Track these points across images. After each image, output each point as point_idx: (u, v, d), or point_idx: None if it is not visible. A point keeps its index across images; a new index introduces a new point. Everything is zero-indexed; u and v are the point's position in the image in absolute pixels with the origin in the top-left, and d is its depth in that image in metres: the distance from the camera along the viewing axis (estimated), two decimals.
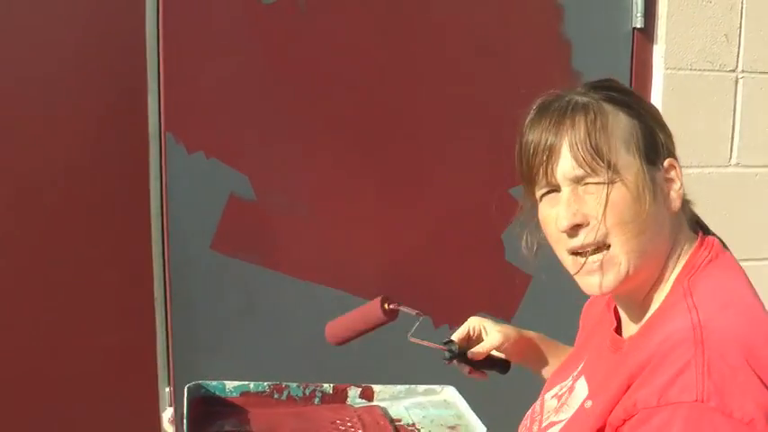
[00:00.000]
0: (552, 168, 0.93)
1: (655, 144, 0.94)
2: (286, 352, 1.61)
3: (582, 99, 0.94)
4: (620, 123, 0.93)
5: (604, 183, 0.91)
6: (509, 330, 1.26)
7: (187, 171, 1.49)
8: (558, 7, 1.66)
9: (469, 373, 1.27)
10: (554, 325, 1.51)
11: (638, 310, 0.98)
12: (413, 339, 1.25)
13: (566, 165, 0.92)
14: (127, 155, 1.52)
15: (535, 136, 0.94)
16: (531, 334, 1.30)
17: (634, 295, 0.98)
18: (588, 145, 0.91)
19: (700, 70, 1.79)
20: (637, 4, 1.71)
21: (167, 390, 1.60)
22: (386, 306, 1.24)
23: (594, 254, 0.93)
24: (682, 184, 0.95)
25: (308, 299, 1.60)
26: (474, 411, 1.33)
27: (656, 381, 0.83)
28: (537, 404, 1.14)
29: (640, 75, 1.75)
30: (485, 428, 1.28)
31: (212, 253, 1.53)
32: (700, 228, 1.01)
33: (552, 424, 1.04)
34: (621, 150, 0.92)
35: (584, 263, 0.93)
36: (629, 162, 0.92)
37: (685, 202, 0.98)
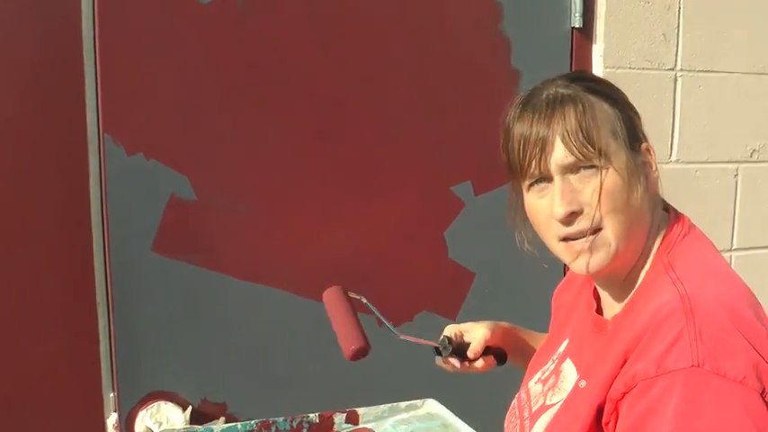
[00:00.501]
0: (546, 159, 0.97)
1: (634, 130, 1.00)
2: (231, 354, 1.61)
3: (567, 91, 0.99)
4: (605, 113, 0.98)
5: (597, 169, 0.96)
6: (488, 325, 1.31)
7: (127, 173, 1.49)
8: (497, 6, 1.68)
9: (466, 367, 1.28)
10: (498, 320, 1.54)
11: (619, 289, 1.04)
12: (404, 337, 1.28)
13: (559, 154, 0.96)
14: (65, 157, 1.51)
15: (525, 128, 0.98)
16: (505, 325, 1.35)
17: (615, 275, 1.03)
18: (580, 134, 0.96)
19: (639, 69, 1.83)
20: (575, 3, 1.74)
21: (111, 395, 1.59)
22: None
23: (589, 235, 0.98)
24: (656, 167, 1.02)
25: (251, 299, 1.60)
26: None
27: (652, 352, 0.89)
28: (521, 393, 1.18)
29: None
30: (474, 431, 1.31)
31: (154, 255, 1.53)
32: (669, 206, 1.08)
33: (545, 407, 1.08)
34: (610, 138, 0.97)
35: (575, 244, 0.98)
36: (617, 149, 0.97)
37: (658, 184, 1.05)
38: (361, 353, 1.21)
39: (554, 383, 1.10)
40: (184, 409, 1.57)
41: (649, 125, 1.04)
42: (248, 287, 1.59)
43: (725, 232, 2.00)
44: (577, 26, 1.76)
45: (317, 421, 1.37)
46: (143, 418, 1.56)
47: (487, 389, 1.53)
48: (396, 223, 1.69)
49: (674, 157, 1.88)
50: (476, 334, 1.29)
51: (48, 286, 1.55)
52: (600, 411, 0.95)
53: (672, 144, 1.88)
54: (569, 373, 1.07)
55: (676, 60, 1.86)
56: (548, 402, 1.09)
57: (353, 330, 1.25)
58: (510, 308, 1.71)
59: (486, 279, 1.75)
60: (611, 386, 0.93)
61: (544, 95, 1.00)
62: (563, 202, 0.97)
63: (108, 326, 1.57)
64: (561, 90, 0.99)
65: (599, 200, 0.96)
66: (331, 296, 1.30)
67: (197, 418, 1.58)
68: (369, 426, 1.37)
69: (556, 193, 0.97)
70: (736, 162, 1.97)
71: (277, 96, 1.56)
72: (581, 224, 0.98)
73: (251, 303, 1.60)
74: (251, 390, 1.63)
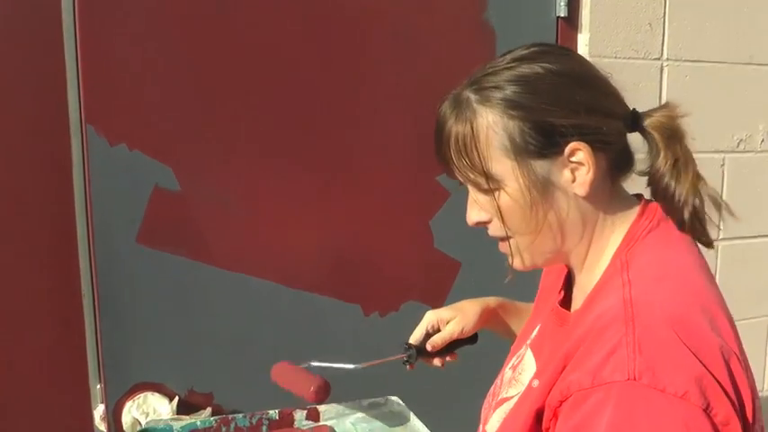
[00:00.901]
0: (450, 169, 0.97)
1: (547, 135, 0.91)
2: (217, 344, 1.62)
3: (456, 110, 0.94)
4: (496, 129, 0.91)
5: (487, 191, 0.94)
6: (468, 316, 1.31)
7: (110, 163, 1.49)
8: None
9: (441, 364, 1.30)
10: None
11: (584, 281, 1.01)
12: (366, 365, 1.30)
13: (455, 171, 0.96)
14: (48, 149, 1.52)
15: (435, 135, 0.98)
16: (491, 305, 1.35)
17: (575, 268, 1.02)
18: (463, 163, 0.93)
19: (625, 58, 1.84)
20: None
21: (98, 387, 1.60)
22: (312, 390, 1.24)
23: (502, 241, 0.99)
24: (591, 167, 0.91)
25: (237, 290, 1.60)
26: (419, 418, 1.39)
27: (589, 362, 0.84)
28: (498, 377, 1.16)
29: None
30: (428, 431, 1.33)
31: (139, 246, 1.53)
32: (643, 197, 1.01)
33: (504, 400, 1.07)
34: (500, 157, 0.92)
35: (499, 245, 1.00)
36: (510, 167, 0.92)
37: (616, 176, 0.97)
38: (322, 390, 1.23)
39: (515, 375, 1.09)
40: (171, 400, 1.58)
41: (685, 112, 1.00)
42: (234, 277, 1.60)
43: (711, 222, 2.01)
44: (562, 15, 1.76)
45: (277, 418, 1.39)
46: (130, 410, 1.57)
47: (456, 390, 1.55)
48: (381, 213, 1.70)
49: None
50: (448, 328, 1.29)
51: (32, 278, 1.56)
52: (539, 414, 0.92)
53: None
54: (529, 365, 1.05)
55: (662, 50, 1.88)
56: (507, 394, 1.07)
57: (305, 375, 1.26)
58: (493, 295, 1.72)
59: (472, 268, 1.76)
60: (549, 392, 0.90)
61: (440, 111, 0.96)
62: (470, 214, 0.99)
63: (94, 317, 1.58)
64: (452, 108, 0.95)
65: (501, 218, 0.95)
66: (277, 369, 1.33)
67: (184, 408, 1.59)
68: (330, 423, 1.39)
69: (468, 202, 0.99)
70: (722, 152, 1.99)
71: (261, 87, 1.57)
72: (492, 231, 0.99)
73: (236, 294, 1.61)
74: (237, 380, 1.64)
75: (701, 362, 0.81)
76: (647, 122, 0.97)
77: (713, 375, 0.81)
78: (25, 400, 1.59)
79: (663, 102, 1.86)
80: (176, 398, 1.59)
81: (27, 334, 1.57)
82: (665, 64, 1.88)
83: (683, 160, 0.96)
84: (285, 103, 1.59)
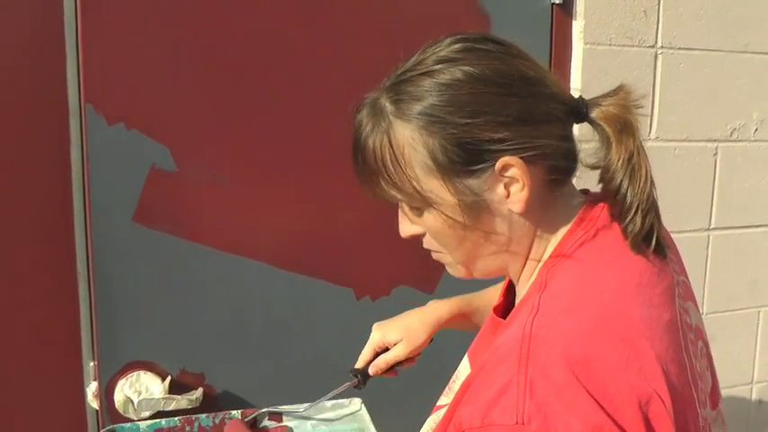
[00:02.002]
0: (366, 184, 0.93)
1: (473, 152, 0.85)
2: (209, 325, 1.68)
3: (372, 120, 0.89)
4: (415, 146, 0.86)
5: (412, 209, 0.91)
6: (414, 339, 1.32)
7: (108, 143, 1.54)
8: None
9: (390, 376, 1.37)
10: None
11: (519, 291, 0.96)
12: (320, 402, 1.40)
13: (379, 187, 0.91)
14: (46, 127, 1.57)
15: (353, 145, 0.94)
16: (444, 317, 1.34)
17: (513, 279, 0.97)
18: (384, 179, 0.88)
19: (619, 46, 1.89)
20: None
21: (92, 364, 1.66)
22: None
23: (436, 253, 0.97)
24: (526, 182, 0.85)
25: (229, 270, 1.66)
26: (385, 419, 1.45)
27: (480, 398, 0.79)
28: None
29: (560, 50, 1.84)
30: None
31: (134, 226, 1.59)
32: (589, 198, 0.95)
33: (437, 408, 1.06)
34: (423, 176, 0.87)
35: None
36: (435, 186, 0.87)
37: (556, 185, 0.90)
38: None
39: (451, 382, 1.07)
40: (163, 380, 1.64)
41: (637, 99, 0.91)
42: (227, 258, 1.65)
43: (703, 211, 2.08)
44: (557, 2, 1.82)
45: (240, 418, 1.44)
46: (122, 388, 1.62)
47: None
48: (375, 199, 1.76)
49: (653, 135, 1.96)
50: (393, 351, 1.33)
51: (28, 255, 1.61)
52: None
53: (651, 122, 1.95)
54: (463, 374, 1.03)
55: (657, 37, 1.93)
56: (441, 402, 1.05)
57: None
58: (487, 282, 1.79)
59: None
60: (451, 420, 0.85)
61: (357, 117, 0.93)
62: (402, 227, 0.96)
63: (88, 296, 1.63)
64: (366, 123, 0.90)
65: (432, 235, 0.93)
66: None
67: (176, 388, 1.65)
68: (291, 424, 1.43)
69: (399, 214, 0.96)
70: (715, 141, 2.04)
71: (259, 70, 1.62)
72: (426, 245, 0.97)
73: (230, 275, 1.67)
74: (228, 361, 1.70)
75: (602, 408, 0.74)
76: (594, 113, 0.89)
77: (617, 423, 0.74)
78: (19, 376, 1.64)
79: (657, 89, 1.96)
80: (168, 377, 1.64)
81: (22, 310, 1.62)
82: (659, 51, 1.94)
83: (636, 157, 0.88)
84: (282, 87, 1.64)
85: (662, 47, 1.94)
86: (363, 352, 1.37)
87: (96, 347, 1.63)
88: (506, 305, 1.06)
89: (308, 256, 1.72)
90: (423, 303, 1.76)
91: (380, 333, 1.35)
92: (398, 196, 0.90)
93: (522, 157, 0.85)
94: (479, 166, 0.85)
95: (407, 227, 0.95)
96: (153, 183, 1.59)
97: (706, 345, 0.99)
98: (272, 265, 1.69)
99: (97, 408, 1.65)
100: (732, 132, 2.06)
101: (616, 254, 0.88)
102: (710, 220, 2.09)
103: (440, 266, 1.81)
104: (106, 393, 1.64)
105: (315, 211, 1.72)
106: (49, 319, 1.65)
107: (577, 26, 1.86)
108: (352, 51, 1.69)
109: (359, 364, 1.37)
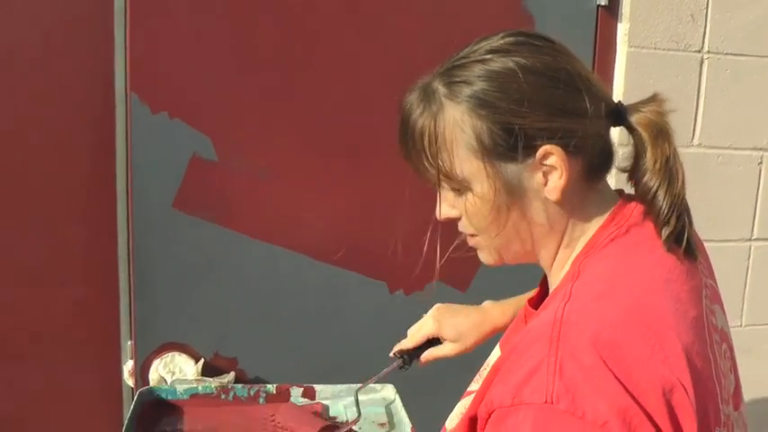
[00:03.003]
0: (413, 165, 0.97)
1: (517, 137, 0.89)
2: (243, 311, 1.75)
3: (423, 102, 0.94)
4: (463, 127, 0.90)
5: (455, 190, 0.95)
6: (465, 345, 1.35)
7: (151, 131, 1.62)
8: None
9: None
10: (508, 294, 1.65)
11: (551, 282, 1.01)
12: (366, 383, 1.43)
13: (424, 168, 0.95)
14: (92, 114, 1.66)
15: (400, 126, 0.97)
16: (500, 325, 1.35)
17: (545, 269, 1.01)
18: (428, 160, 0.93)
19: (664, 50, 1.91)
20: None
21: (129, 343, 1.75)
22: None
23: (471, 236, 1.01)
24: (564, 171, 0.90)
25: (265, 259, 1.73)
26: (414, 408, 1.49)
27: (512, 378, 0.83)
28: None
29: (604, 52, 1.87)
30: (410, 425, 1.44)
31: (174, 211, 1.67)
32: (623, 197, 0.98)
33: (467, 393, 1.10)
34: (467, 157, 0.91)
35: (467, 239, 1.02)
36: (477, 168, 0.91)
37: (592, 179, 0.95)
38: None
39: (482, 369, 1.11)
40: (197, 362, 1.72)
41: (672, 107, 0.95)
42: (263, 247, 1.73)
43: (746, 221, 2.07)
44: (603, 3, 1.84)
45: (274, 392, 1.50)
46: (157, 367, 1.71)
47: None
48: (410, 193, 1.80)
49: (695, 141, 1.96)
50: (443, 349, 1.36)
51: (73, 238, 1.72)
52: (472, 420, 0.93)
53: (695, 128, 1.96)
54: (494, 360, 1.06)
55: (703, 42, 1.94)
56: (471, 388, 1.09)
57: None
58: (519, 281, 1.82)
59: None
60: (481, 401, 0.89)
61: (403, 107, 0.96)
62: (438, 212, 1.00)
63: (128, 278, 1.72)
64: (418, 104, 0.94)
65: (468, 218, 0.97)
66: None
67: (208, 370, 1.73)
68: (325, 402, 1.49)
69: (438, 197, 1.00)
70: (760, 149, 2.04)
71: (299, 67, 1.68)
72: (461, 227, 1.01)
73: (265, 263, 1.74)
74: (261, 347, 1.78)
75: (628, 392, 0.78)
76: (633, 118, 0.94)
77: (641, 407, 0.78)
78: (63, 349, 1.75)
79: (701, 95, 1.97)
80: (202, 360, 1.73)
81: (66, 290, 1.73)
82: (705, 57, 1.94)
83: (672, 160, 0.92)
84: (322, 84, 1.70)
85: (708, 52, 1.95)
86: (414, 335, 1.39)
87: (134, 327, 1.71)
88: (540, 297, 1.10)
89: (344, 248, 1.78)
90: (456, 300, 1.82)
91: (437, 325, 1.38)
92: (441, 177, 0.94)
93: (562, 147, 0.89)
94: (522, 152, 0.90)
95: (445, 209, 1.00)
96: (194, 171, 1.66)
97: (730, 348, 1.02)
98: (307, 255, 1.75)
99: (132, 386, 1.74)
100: None
101: (647, 250, 0.92)
102: (753, 231, 2.09)
103: (474, 265, 1.87)
104: (141, 372, 1.72)
105: (352, 204, 1.78)
106: (91, 299, 1.75)
107: (622, 29, 1.88)
108: (396, 49, 1.74)
109: (406, 344, 1.39)
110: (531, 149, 0.89)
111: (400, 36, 1.74)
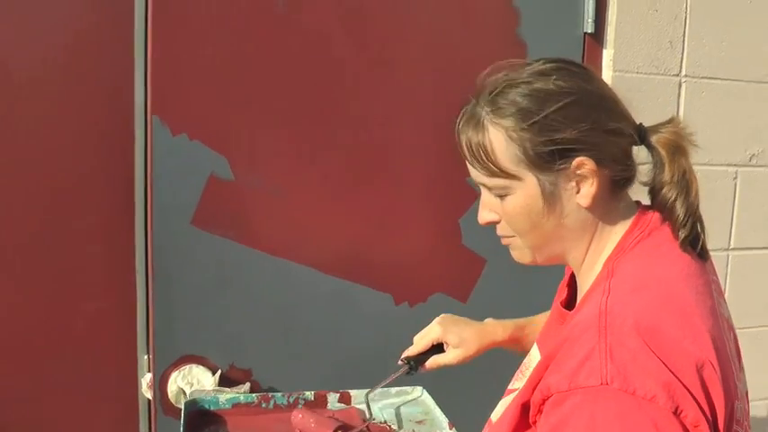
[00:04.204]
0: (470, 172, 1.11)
1: (557, 149, 1.03)
2: (258, 324, 1.86)
3: (474, 119, 1.07)
4: (510, 139, 1.04)
5: (498, 195, 1.08)
6: (468, 352, 1.46)
7: (171, 152, 1.73)
8: (516, 10, 1.94)
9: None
10: (506, 305, 1.79)
11: (581, 283, 1.14)
12: (375, 388, 1.55)
13: (472, 172, 1.11)
14: (114, 135, 1.77)
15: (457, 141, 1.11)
16: (499, 339, 1.48)
17: (574, 269, 1.15)
18: (479, 168, 1.07)
19: (646, 74, 2.08)
20: (588, 10, 1.99)
21: (146, 357, 1.84)
22: None
23: (508, 237, 1.14)
24: (595, 180, 1.04)
25: (278, 274, 1.84)
26: (442, 407, 1.61)
27: (566, 366, 0.95)
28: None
29: None
30: (447, 420, 1.56)
31: (192, 228, 1.77)
32: (642, 206, 1.13)
33: (509, 391, 1.19)
34: (512, 165, 1.05)
35: (502, 239, 1.15)
36: (520, 175, 1.05)
37: (618, 189, 1.09)
38: None
39: (522, 368, 1.20)
40: (214, 373, 1.82)
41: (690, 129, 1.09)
42: (277, 262, 1.84)
43: (723, 232, 2.25)
44: (589, 31, 2.00)
45: (312, 399, 1.62)
46: (175, 379, 1.80)
47: (478, 382, 1.74)
48: (415, 210, 1.94)
49: None
50: (447, 356, 1.46)
51: (93, 253, 1.81)
52: (525, 408, 1.04)
53: None
54: (534, 359, 1.16)
55: (681, 66, 2.11)
56: (513, 386, 1.18)
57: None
58: (517, 293, 1.97)
59: (497, 265, 2.00)
60: (534, 390, 1.01)
61: (460, 118, 1.10)
62: (481, 213, 1.13)
63: (146, 292, 1.82)
64: (473, 110, 1.08)
65: (508, 221, 1.09)
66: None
67: (225, 381, 1.82)
68: (360, 407, 1.60)
69: (480, 202, 1.13)
70: (735, 165, 2.22)
71: (310, 91, 1.81)
72: (500, 230, 1.13)
73: (279, 278, 1.85)
74: (274, 358, 1.88)
75: (669, 369, 0.91)
76: (654, 138, 1.08)
77: (681, 382, 0.91)
78: (78, 364, 1.84)
79: (680, 115, 2.14)
80: (218, 371, 1.82)
81: (86, 304, 1.81)
82: (683, 80, 2.12)
83: (689, 174, 1.07)
84: (331, 107, 1.84)
85: (686, 75, 2.12)
86: (420, 341, 1.50)
87: (152, 341, 1.80)
88: (569, 298, 1.23)
89: (353, 263, 1.90)
90: (457, 311, 1.95)
91: (442, 331, 1.49)
92: (489, 183, 1.08)
93: (594, 159, 1.03)
94: (559, 163, 1.03)
95: (486, 214, 1.12)
96: (211, 190, 1.77)
97: (735, 337, 1.17)
98: (318, 270, 1.87)
99: (150, 397, 1.83)
100: (751, 158, 2.24)
101: (667, 249, 1.06)
102: (729, 241, 2.26)
103: (474, 276, 2.01)
104: (160, 384, 1.81)
105: (360, 221, 1.90)
106: (108, 312, 1.83)
107: (607, 54, 2.04)
108: (402, 74, 1.88)
109: (412, 351, 1.50)
110: (567, 160, 1.03)
111: (406, 63, 1.88)
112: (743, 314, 2.30)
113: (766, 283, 2.33)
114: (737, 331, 1.14)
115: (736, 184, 2.23)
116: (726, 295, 2.23)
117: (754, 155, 2.24)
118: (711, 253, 2.16)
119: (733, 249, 2.26)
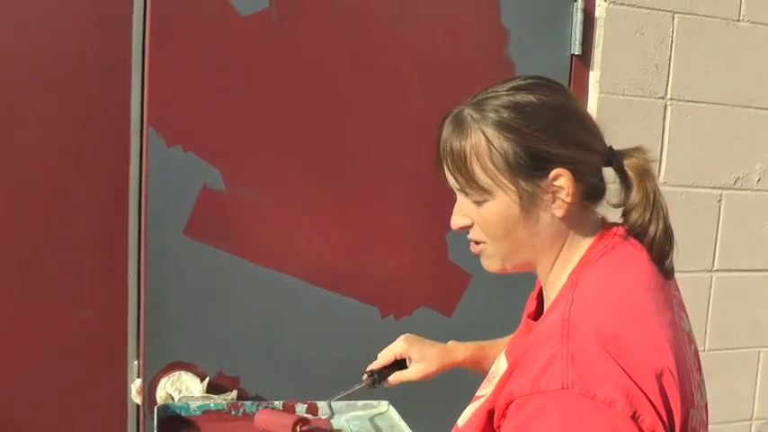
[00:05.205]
0: (444, 177, 1.16)
1: (536, 159, 1.08)
2: (247, 333, 1.92)
3: (457, 126, 1.12)
4: (492, 147, 1.08)
5: (476, 201, 1.12)
6: (429, 368, 1.53)
7: (165, 163, 1.80)
8: (505, 31, 2.02)
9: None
10: (491, 320, 1.85)
11: (548, 294, 1.19)
12: (337, 399, 1.63)
13: (449, 179, 1.15)
14: (111, 145, 1.84)
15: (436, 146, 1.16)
16: (459, 359, 1.54)
17: (541, 279, 1.20)
18: (459, 174, 1.11)
19: (631, 96, 2.15)
20: (576, 32, 2.07)
21: (135, 363, 1.90)
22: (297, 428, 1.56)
23: (477, 244, 1.18)
24: (570, 192, 1.09)
25: (267, 284, 1.90)
26: (407, 421, 1.67)
27: (529, 371, 1.00)
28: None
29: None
30: None
31: (184, 238, 1.84)
32: (606, 222, 1.18)
33: (477, 398, 1.22)
34: (492, 172, 1.09)
35: (472, 246, 1.19)
36: (500, 182, 1.09)
37: (589, 202, 1.14)
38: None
39: (490, 376, 1.22)
40: (202, 380, 1.87)
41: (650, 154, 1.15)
42: (267, 273, 1.90)
43: (707, 253, 2.31)
44: (577, 53, 2.08)
45: (281, 408, 1.68)
46: (164, 385, 1.85)
47: (444, 397, 1.74)
48: (402, 225, 2.01)
49: (661, 180, 2.19)
50: (409, 372, 1.53)
51: (86, 261, 1.87)
52: (490, 414, 1.09)
53: (660, 167, 2.19)
54: (501, 367, 1.18)
55: (667, 90, 2.18)
56: (480, 393, 1.21)
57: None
58: (501, 308, 2.02)
59: (482, 280, 2.06)
60: (500, 394, 1.05)
61: (448, 121, 1.14)
62: (454, 218, 1.18)
63: (137, 299, 1.88)
64: (458, 117, 1.12)
65: (482, 226, 1.13)
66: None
67: (213, 389, 1.88)
68: (324, 418, 1.67)
69: (455, 208, 1.18)
70: (719, 188, 2.28)
71: (302, 106, 1.88)
72: (472, 235, 1.17)
73: (268, 288, 1.91)
74: (261, 367, 1.94)
75: (628, 375, 0.96)
76: (626, 162, 1.14)
77: (640, 388, 0.96)
78: (68, 369, 1.89)
79: (666, 138, 2.20)
80: (207, 378, 1.88)
81: (77, 310, 1.88)
82: (668, 103, 2.19)
83: (656, 195, 1.13)
84: (321, 122, 1.91)
85: (671, 98, 2.19)
86: (384, 355, 1.57)
87: (142, 347, 1.86)
88: (537, 310, 1.29)
89: (340, 275, 1.97)
90: (442, 325, 2.02)
91: (406, 346, 1.56)
92: (467, 188, 1.12)
93: (571, 172, 1.09)
94: (538, 172, 1.09)
95: (459, 219, 1.17)
96: (203, 201, 1.84)
97: (696, 350, 1.23)
98: (306, 281, 1.93)
99: (139, 403, 1.88)
100: (736, 181, 2.30)
101: (630, 264, 1.12)
102: (713, 262, 2.32)
103: (459, 290, 2.07)
104: (149, 390, 1.87)
105: (349, 235, 1.97)
106: (100, 319, 1.90)
107: (593, 76, 2.11)
108: (394, 90, 1.96)
109: (376, 365, 1.57)
110: (545, 170, 1.09)
111: (398, 79, 1.96)
112: (726, 335, 2.36)
113: (749, 304, 2.39)
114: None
115: (720, 207, 2.29)
116: (708, 316, 2.32)
117: (738, 178, 2.30)
118: (695, 274, 2.24)
119: (716, 271, 2.32)
